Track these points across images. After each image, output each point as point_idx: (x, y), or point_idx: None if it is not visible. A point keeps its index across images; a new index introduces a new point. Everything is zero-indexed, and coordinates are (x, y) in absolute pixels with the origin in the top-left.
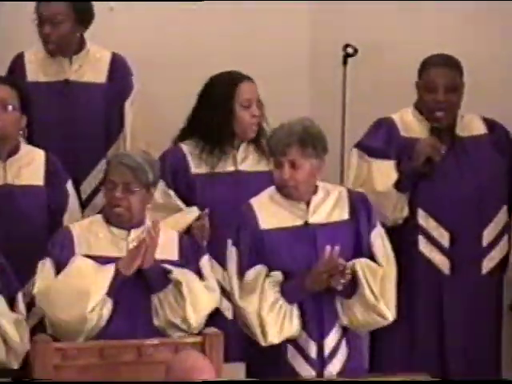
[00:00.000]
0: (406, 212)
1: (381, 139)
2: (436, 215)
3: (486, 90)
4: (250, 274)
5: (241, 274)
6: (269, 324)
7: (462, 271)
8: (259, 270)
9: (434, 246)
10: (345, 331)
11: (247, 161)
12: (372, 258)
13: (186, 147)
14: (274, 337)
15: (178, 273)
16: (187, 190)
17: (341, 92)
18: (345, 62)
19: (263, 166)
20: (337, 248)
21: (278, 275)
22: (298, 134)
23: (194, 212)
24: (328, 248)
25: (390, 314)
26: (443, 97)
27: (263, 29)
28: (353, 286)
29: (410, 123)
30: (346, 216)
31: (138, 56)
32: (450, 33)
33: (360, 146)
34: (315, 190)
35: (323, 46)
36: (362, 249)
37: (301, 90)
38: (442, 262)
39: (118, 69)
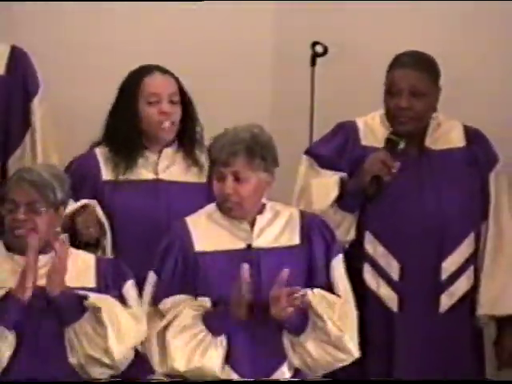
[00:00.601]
0: (351, 235)
1: (334, 146)
2: (385, 241)
3: (466, 93)
4: (168, 302)
5: (155, 302)
6: (173, 348)
7: (414, 309)
8: (180, 298)
9: (382, 277)
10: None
11: (171, 169)
12: (328, 289)
13: (99, 151)
14: (176, 363)
15: (95, 298)
16: (97, 198)
17: (308, 95)
18: (313, 62)
19: (192, 177)
20: (285, 270)
21: (203, 301)
22: (244, 143)
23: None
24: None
25: (356, 350)
26: (406, 102)
27: (225, 26)
28: (302, 320)
29: (375, 130)
30: (296, 240)
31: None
32: (427, 31)
33: (310, 152)
34: (262, 209)
35: (290, 44)
36: (315, 279)
37: (263, 92)
38: (389, 296)
39: (19, 62)
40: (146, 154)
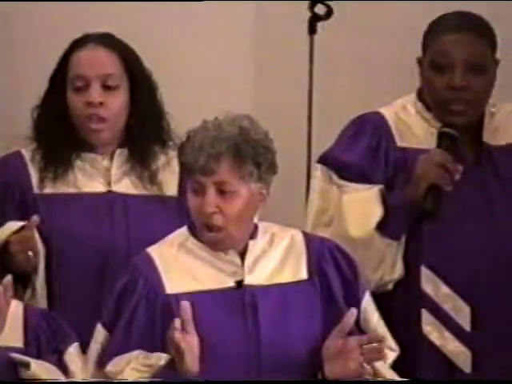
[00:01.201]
0: (399, 271)
1: (360, 150)
2: (450, 278)
3: None
4: (121, 363)
5: (103, 364)
6: None
7: (492, 368)
8: (134, 355)
9: (447, 327)
10: None
11: (129, 178)
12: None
13: (27, 153)
14: None
15: (36, 367)
16: (25, 217)
17: (306, 74)
18: (312, 29)
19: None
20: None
21: (159, 358)
22: (231, 141)
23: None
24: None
25: None
26: (462, 79)
27: None
28: None
29: (411, 125)
30: (302, 274)
31: None
32: None
33: (327, 159)
34: (254, 233)
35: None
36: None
37: (245, 68)
38: (459, 352)
39: None
40: (93, 157)
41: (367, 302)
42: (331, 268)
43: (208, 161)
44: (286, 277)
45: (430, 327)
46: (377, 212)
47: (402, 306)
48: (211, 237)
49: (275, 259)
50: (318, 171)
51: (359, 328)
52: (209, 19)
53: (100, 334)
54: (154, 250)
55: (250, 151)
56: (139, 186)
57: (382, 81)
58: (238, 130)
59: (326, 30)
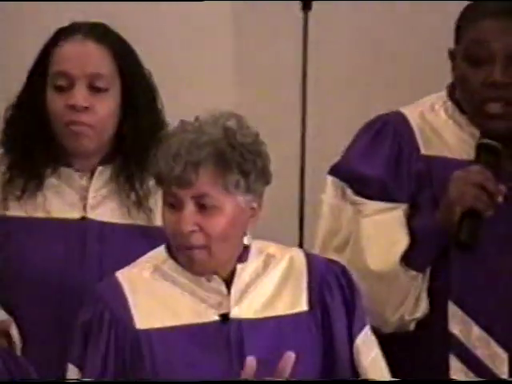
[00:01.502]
0: (423, 308)
1: (380, 160)
2: (486, 319)
3: None
4: None
5: None
6: None
7: None
8: None
9: (480, 377)
10: None
11: (109, 203)
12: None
13: None
14: None
15: None
16: None
17: (299, 61)
18: (306, 5)
19: (141, 218)
20: (289, 355)
21: None
22: (212, 146)
23: None
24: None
25: None
26: (503, 74)
27: None
28: None
29: (440, 128)
30: (302, 305)
31: None
32: None
33: (339, 171)
34: (244, 255)
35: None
36: (336, 366)
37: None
38: None
39: None
40: (69, 173)
41: (362, 339)
42: (336, 298)
43: (185, 170)
44: (282, 308)
45: (459, 376)
46: (402, 240)
47: (425, 349)
48: (190, 255)
49: (270, 286)
50: (329, 184)
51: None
52: (188, 17)
53: (72, 372)
54: (122, 275)
55: (236, 157)
56: (122, 212)
57: (395, 72)
58: (221, 132)
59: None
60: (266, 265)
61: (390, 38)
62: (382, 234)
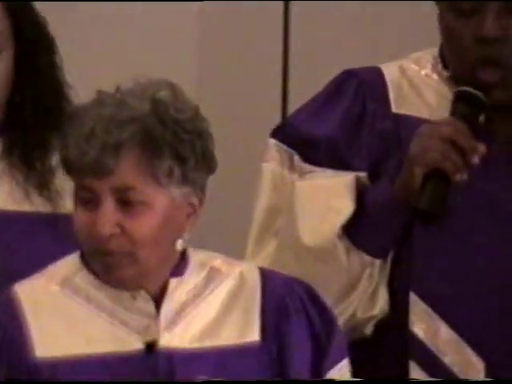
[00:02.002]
0: (381, 305)
1: (336, 119)
2: (457, 316)
3: None
4: None
5: None
6: None
7: None
8: None
9: None
10: None
11: (2, 185)
12: None
13: None
14: None
15: None
16: None
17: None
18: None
19: (43, 204)
20: None
21: None
22: (137, 124)
23: None
24: None
25: None
26: (494, 26)
27: None
28: None
29: (422, 85)
30: (253, 334)
31: None
32: None
33: (284, 133)
34: (179, 267)
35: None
36: None
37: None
38: None
39: None
40: None
41: (335, 376)
42: (299, 327)
43: (102, 154)
44: (227, 337)
45: None
46: (344, 209)
47: (384, 358)
48: (109, 265)
49: (212, 309)
50: (272, 150)
51: None
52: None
53: None
54: (22, 289)
55: (168, 138)
56: (19, 197)
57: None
58: (149, 106)
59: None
60: (208, 281)
61: (386, 36)
62: (319, 200)
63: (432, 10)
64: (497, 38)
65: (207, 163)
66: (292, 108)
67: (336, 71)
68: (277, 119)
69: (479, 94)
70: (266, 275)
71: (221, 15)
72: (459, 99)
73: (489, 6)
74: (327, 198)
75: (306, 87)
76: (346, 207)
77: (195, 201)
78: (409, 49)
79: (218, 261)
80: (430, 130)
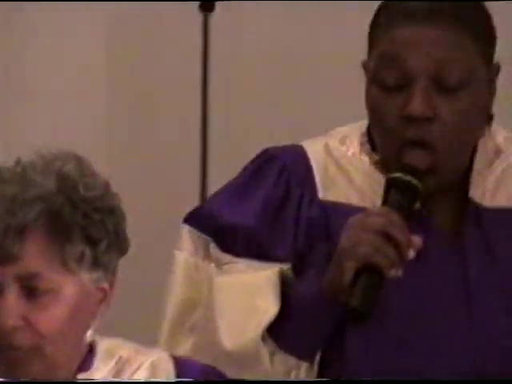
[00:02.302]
0: None
1: (256, 205)
2: None
3: None
4: None
5: None
6: None
7: None
8: None
9: None
10: None
11: None
12: None
13: None
14: None
15: None
16: None
17: (198, 74)
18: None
19: None
20: None
21: None
22: (43, 203)
23: None
24: None
25: None
26: (423, 104)
27: None
28: None
29: (350, 168)
30: None
31: None
32: None
33: (200, 219)
34: (86, 360)
35: None
36: None
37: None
38: None
39: None
40: None
41: None
42: None
43: (5, 239)
44: None
45: None
46: (267, 308)
47: None
48: (12, 360)
49: None
50: (186, 237)
51: None
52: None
53: None
54: None
55: (78, 219)
56: None
57: (315, 87)
58: (56, 183)
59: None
60: (117, 374)
61: (309, 48)
62: (240, 299)
63: None
64: (426, 117)
65: (120, 244)
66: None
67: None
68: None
69: (413, 180)
70: (180, 365)
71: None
72: (391, 187)
73: (416, 81)
74: (249, 296)
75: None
76: (269, 307)
77: (106, 285)
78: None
79: (126, 350)
80: (362, 222)
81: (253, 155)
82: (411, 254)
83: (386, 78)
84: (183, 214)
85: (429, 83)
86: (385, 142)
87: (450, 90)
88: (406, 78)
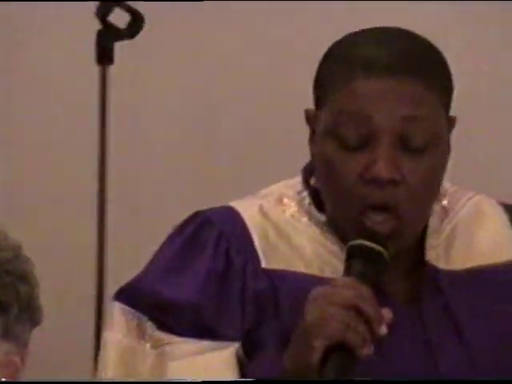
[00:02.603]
0: None
1: (196, 279)
2: None
3: None
4: None
5: None
6: None
7: None
8: None
9: None
10: None
11: None
12: None
13: None
14: None
15: None
16: None
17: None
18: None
19: None
20: None
21: None
22: None
23: None
24: None
25: None
26: (389, 167)
27: None
28: None
29: (294, 232)
30: None
31: None
32: None
33: (133, 295)
34: None
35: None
36: None
37: None
38: None
39: None
40: None
41: None
42: None
43: None
44: None
45: None
46: None
47: None
48: None
49: None
50: (118, 316)
51: None
52: None
53: None
54: None
55: None
56: None
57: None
58: None
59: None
60: None
61: (211, 99)
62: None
63: None
64: (391, 179)
65: (32, 313)
66: None
67: None
68: None
69: (378, 247)
70: None
71: None
72: (354, 255)
73: (381, 140)
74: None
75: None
76: None
77: (17, 360)
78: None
79: None
80: (329, 295)
81: (153, 207)
82: (383, 329)
83: (346, 136)
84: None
85: (394, 142)
86: (341, 204)
87: (416, 150)
88: (369, 136)
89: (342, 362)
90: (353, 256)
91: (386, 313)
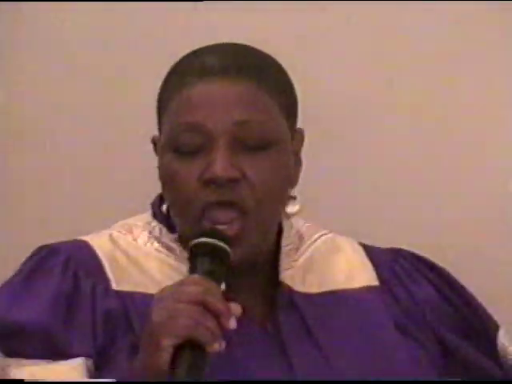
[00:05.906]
0: None
1: (43, 301)
2: None
3: None
4: None
5: None
6: None
7: None
8: None
9: None
10: None
11: None
12: None
13: None
14: None
15: None
16: None
17: None
18: None
19: None
20: None
21: None
22: None
23: None
24: None
25: None
26: (226, 166)
27: None
28: None
29: (144, 258)
30: None
31: None
32: None
33: None
34: None
35: None
36: None
37: None
38: None
39: None
40: None
41: None
42: None
43: None
44: None
45: None
46: None
47: None
48: None
49: None
50: None
51: None
52: None
53: None
54: None
55: None
56: None
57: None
58: None
59: None
60: None
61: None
62: None
63: None
64: (232, 177)
65: None
66: None
67: None
68: None
69: (221, 244)
70: None
71: None
72: (198, 253)
73: (217, 142)
74: None
75: None
76: None
77: None
78: None
79: None
80: (175, 293)
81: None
82: (233, 323)
83: (183, 144)
84: None
85: (230, 144)
86: (184, 210)
87: (254, 148)
88: (205, 142)
89: (193, 360)
90: (196, 254)
91: (235, 307)
